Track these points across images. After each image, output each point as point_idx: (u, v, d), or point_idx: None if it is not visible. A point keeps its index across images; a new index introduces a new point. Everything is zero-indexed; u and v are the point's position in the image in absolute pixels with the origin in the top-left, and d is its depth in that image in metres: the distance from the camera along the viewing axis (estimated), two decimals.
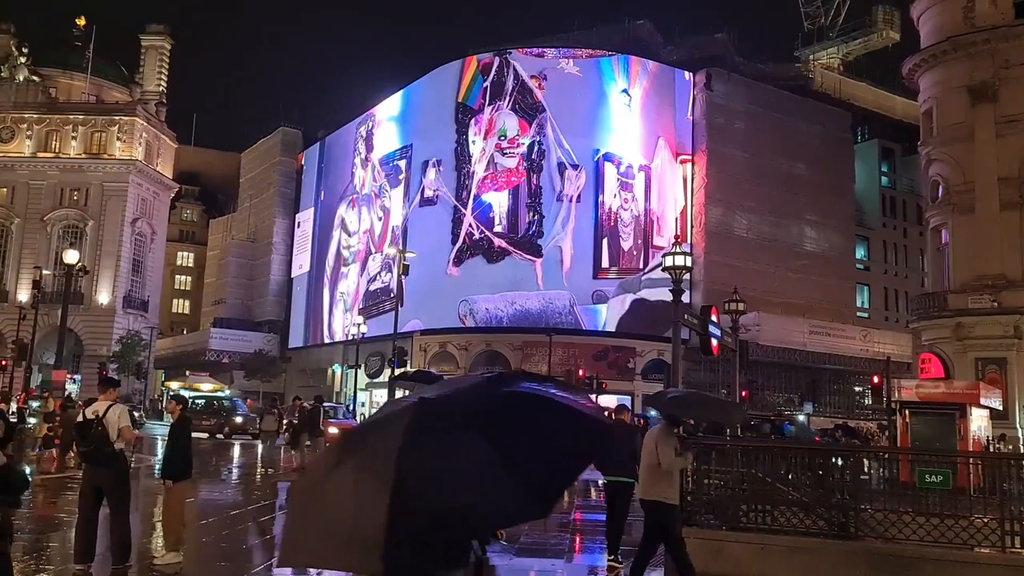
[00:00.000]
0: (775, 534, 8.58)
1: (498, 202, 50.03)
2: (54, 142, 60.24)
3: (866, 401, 44.52)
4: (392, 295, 46.08)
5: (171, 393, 40.07)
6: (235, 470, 22.94)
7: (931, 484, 10.38)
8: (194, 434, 24.27)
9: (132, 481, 8.81)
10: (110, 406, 8.13)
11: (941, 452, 16.28)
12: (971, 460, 12.11)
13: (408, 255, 37.67)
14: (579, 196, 48.73)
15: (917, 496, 9.37)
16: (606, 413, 6.09)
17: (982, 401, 21.62)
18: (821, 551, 8.28)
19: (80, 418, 8.40)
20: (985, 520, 8.28)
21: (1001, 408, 25.23)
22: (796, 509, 8.81)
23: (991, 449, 19.93)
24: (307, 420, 20.65)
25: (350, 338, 45.80)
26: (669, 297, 18.43)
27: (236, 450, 28.88)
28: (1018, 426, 27.56)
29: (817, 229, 52.36)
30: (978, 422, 19.99)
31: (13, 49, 61.80)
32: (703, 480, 9.30)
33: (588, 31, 55.87)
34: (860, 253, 57.43)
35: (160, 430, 28.11)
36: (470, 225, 49.73)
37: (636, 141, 50.13)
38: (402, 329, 39.95)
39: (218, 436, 33.25)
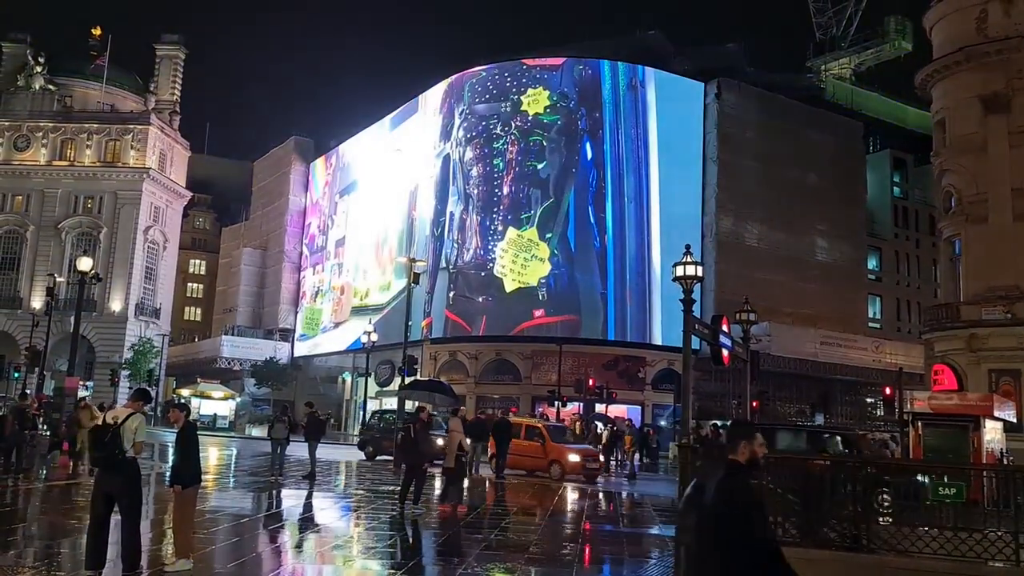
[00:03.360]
0: (785, 546, 8.50)
1: None
2: (69, 150, 60.84)
3: (878, 412, 44.24)
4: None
5: (177, 401, 39.48)
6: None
7: (944, 496, 10.28)
8: (379, 458, 21.01)
9: (143, 487, 8.83)
10: (131, 415, 8.16)
11: (955, 465, 16.10)
12: (984, 472, 11.98)
13: (418, 264, 37.77)
14: None
15: (931, 509, 9.27)
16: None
17: (996, 413, 21.43)
18: (832, 564, 8.20)
19: (99, 422, 8.44)
20: (999, 533, 8.19)
21: (1015, 420, 24.97)
22: (806, 521, 8.72)
23: (1004, 462, 19.73)
24: (314, 427, 20.67)
25: (361, 346, 45.79)
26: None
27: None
28: None
29: (829, 239, 52.12)
30: (991, 434, 19.79)
31: (29, 58, 62.51)
32: None
33: (599, 41, 55.98)
34: (872, 263, 57.14)
35: (170, 436, 27.64)
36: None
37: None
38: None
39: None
